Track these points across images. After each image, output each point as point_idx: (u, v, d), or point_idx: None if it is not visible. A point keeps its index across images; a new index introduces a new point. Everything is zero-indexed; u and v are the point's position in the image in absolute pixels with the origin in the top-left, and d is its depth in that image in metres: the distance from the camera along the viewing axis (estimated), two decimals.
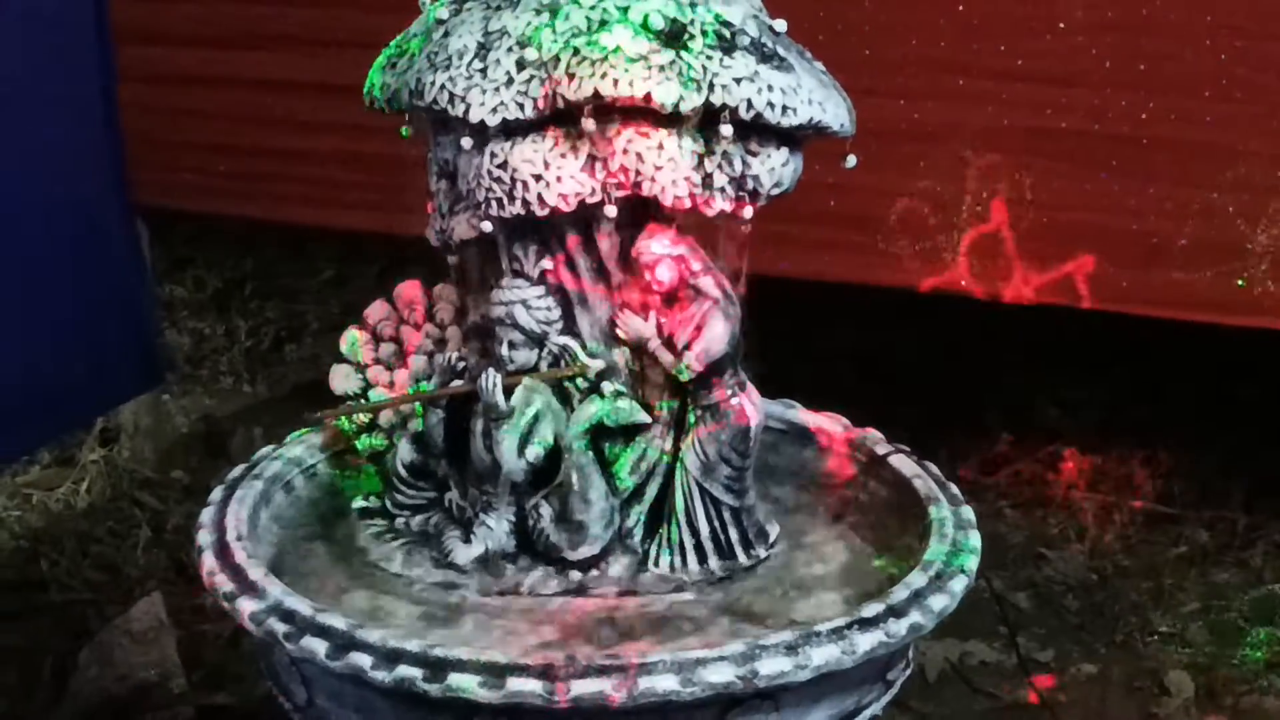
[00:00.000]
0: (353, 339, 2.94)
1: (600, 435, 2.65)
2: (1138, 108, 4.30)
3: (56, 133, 5.16)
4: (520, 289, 2.66)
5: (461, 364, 2.78)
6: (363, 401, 2.91)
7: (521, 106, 2.52)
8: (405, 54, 2.68)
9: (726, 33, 2.54)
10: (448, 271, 2.86)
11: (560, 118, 2.53)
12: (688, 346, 2.61)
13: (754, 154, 2.56)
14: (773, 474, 2.94)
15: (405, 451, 2.81)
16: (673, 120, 2.52)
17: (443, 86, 2.55)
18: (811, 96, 2.56)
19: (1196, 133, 4.26)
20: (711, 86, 2.50)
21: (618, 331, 2.67)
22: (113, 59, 5.25)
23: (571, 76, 2.49)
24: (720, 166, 2.55)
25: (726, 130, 2.52)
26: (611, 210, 2.58)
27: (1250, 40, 4.17)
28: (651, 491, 2.69)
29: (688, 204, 2.56)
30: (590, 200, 2.56)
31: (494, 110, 2.52)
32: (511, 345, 2.66)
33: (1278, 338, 4.33)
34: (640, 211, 2.62)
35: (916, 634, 2.54)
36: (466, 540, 2.70)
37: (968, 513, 2.77)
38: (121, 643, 4.50)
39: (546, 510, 2.66)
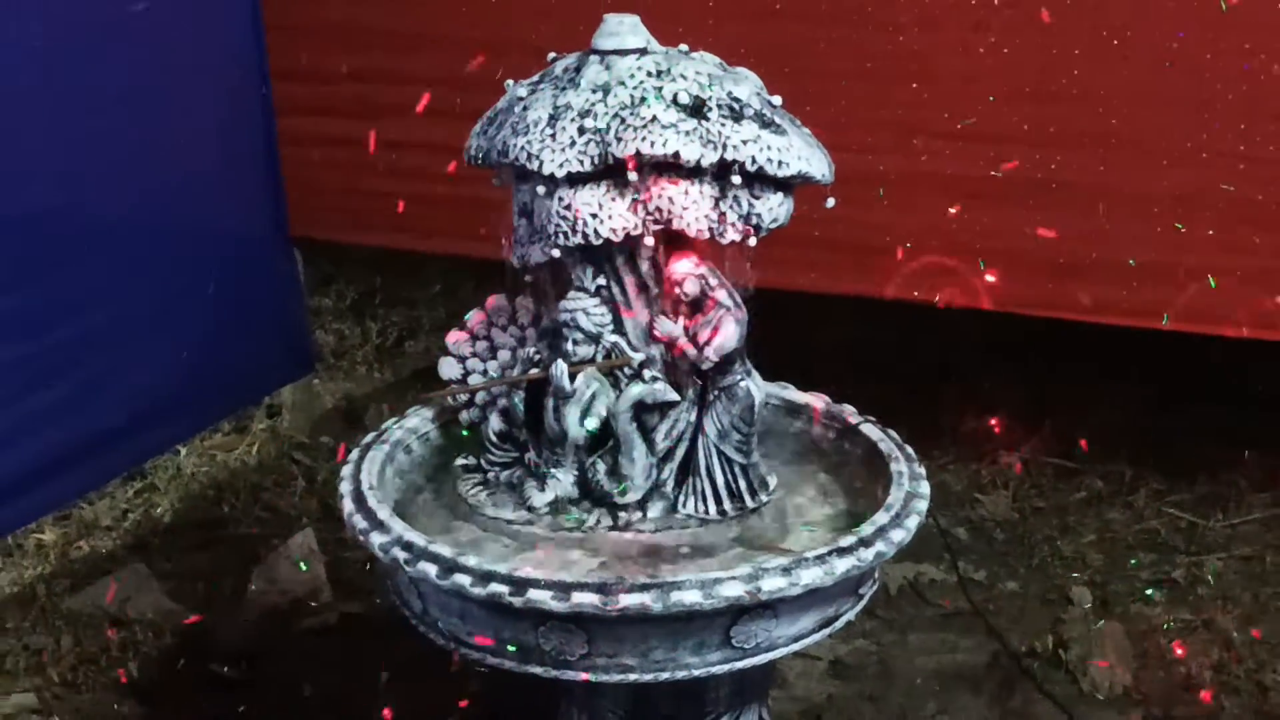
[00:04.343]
0: (456, 338, 2.94)
1: (641, 410, 2.66)
2: (1049, 160, 4.30)
3: (233, 184, 5.18)
4: (581, 300, 2.67)
5: (538, 356, 2.79)
6: (463, 384, 2.92)
7: (582, 162, 2.53)
8: (494, 123, 2.69)
9: (736, 106, 2.54)
10: (526, 286, 2.86)
11: (611, 170, 2.54)
12: (707, 343, 2.62)
13: (757, 197, 2.57)
14: (772, 439, 2.94)
15: (495, 422, 2.81)
16: (695, 172, 2.53)
17: (523, 147, 2.56)
18: (800, 154, 2.56)
19: (1093, 179, 4.25)
20: (725, 146, 2.50)
21: (654, 332, 2.68)
22: (275, 127, 5.27)
23: (619, 139, 2.50)
24: (731, 207, 2.56)
25: (736, 180, 2.53)
26: (649, 240, 2.59)
27: (1135, 107, 4.17)
28: (680, 452, 2.69)
29: (707, 235, 2.57)
30: (634, 233, 2.57)
31: (561, 165, 2.53)
32: (575, 342, 2.67)
33: (1155, 333, 4.32)
34: (671, 241, 2.63)
35: (881, 559, 2.55)
36: (541, 489, 2.71)
37: (920, 468, 2.77)
38: (283, 566, 4.52)
39: (601, 466, 2.67)
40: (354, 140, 5.18)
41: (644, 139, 2.49)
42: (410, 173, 5.05)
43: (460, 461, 2.88)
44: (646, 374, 2.67)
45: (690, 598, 2.36)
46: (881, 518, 2.59)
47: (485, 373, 2.90)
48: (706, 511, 2.69)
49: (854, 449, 2.91)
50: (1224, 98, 4.07)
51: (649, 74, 2.55)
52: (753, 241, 2.60)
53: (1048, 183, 4.31)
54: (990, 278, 4.44)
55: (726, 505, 2.70)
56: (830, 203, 2.66)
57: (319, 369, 5.91)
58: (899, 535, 2.57)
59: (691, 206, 2.54)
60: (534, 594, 2.36)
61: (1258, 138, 4.08)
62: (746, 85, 2.61)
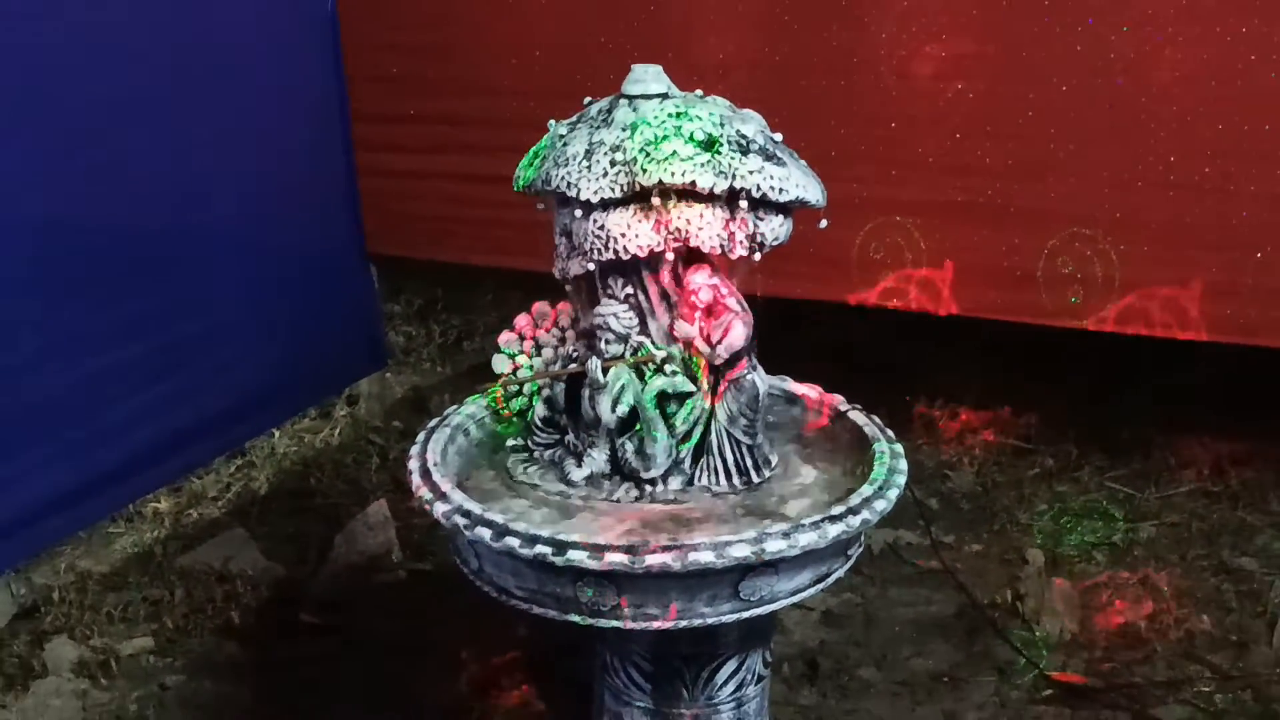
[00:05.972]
0: (507, 338, 2.93)
1: (663, 399, 2.64)
2: (1006, 188, 4.29)
3: (320, 209, 5.22)
4: (612, 306, 2.65)
5: (576, 354, 2.78)
6: (513, 378, 2.91)
7: (613, 190, 2.51)
8: (539, 157, 2.68)
9: (744, 141, 2.53)
10: (566, 294, 2.85)
11: (638, 196, 2.52)
12: (719, 342, 2.60)
13: (761, 219, 2.55)
14: (774, 423, 2.92)
15: (540, 409, 2.80)
16: (709, 198, 2.51)
17: (563, 177, 2.55)
18: (798, 182, 2.55)
19: (1045, 205, 4.25)
20: (734, 176, 2.49)
21: (674, 333, 2.66)
22: (355, 161, 5.29)
23: (645, 170, 2.48)
24: (739, 227, 2.54)
25: (744, 204, 2.52)
26: (670, 255, 2.58)
27: (1080, 143, 4.16)
28: (696, 434, 2.67)
29: (719, 251, 2.56)
30: (656, 249, 2.55)
31: (595, 192, 2.51)
32: (607, 342, 2.65)
33: (1095, 335, 4.31)
34: (688, 256, 2.61)
35: (866, 526, 2.53)
36: (579, 466, 2.69)
37: (899, 448, 2.75)
38: (361, 530, 4.52)
39: (629, 446, 2.65)
40: (421, 173, 5.22)
41: (666, 170, 2.47)
42: (468, 200, 5.08)
43: (510, 442, 2.88)
44: (668, 368, 2.65)
45: (705, 558, 2.35)
46: (866, 490, 2.58)
47: (531, 368, 2.88)
48: (718, 485, 2.67)
49: (843, 432, 2.89)
50: (1157, 135, 4.06)
51: (670, 115, 2.54)
52: (758, 256, 2.59)
53: (1005, 207, 4.30)
54: (956, 288, 4.44)
55: (735, 479, 2.68)
56: (823, 224, 2.64)
57: (391, 364, 5.92)
58: (881, 505, 2.55)
59: (706, 227, 2.53)
60: (573, 554, 2.36)
61: (1185, 169, 4.07)
62: (752, 124, 2.60)
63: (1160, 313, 4.20)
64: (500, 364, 2.91)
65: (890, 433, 2.82)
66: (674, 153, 2.49)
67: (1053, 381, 5.34)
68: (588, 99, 2.72)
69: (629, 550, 2.35)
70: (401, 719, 3.74)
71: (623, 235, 2.54)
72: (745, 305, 2.63)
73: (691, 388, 2.65)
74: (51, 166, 4.09)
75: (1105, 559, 4.48)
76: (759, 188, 2.51)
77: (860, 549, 2.74)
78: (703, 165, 2.48)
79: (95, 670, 3.96)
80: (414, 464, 2.70)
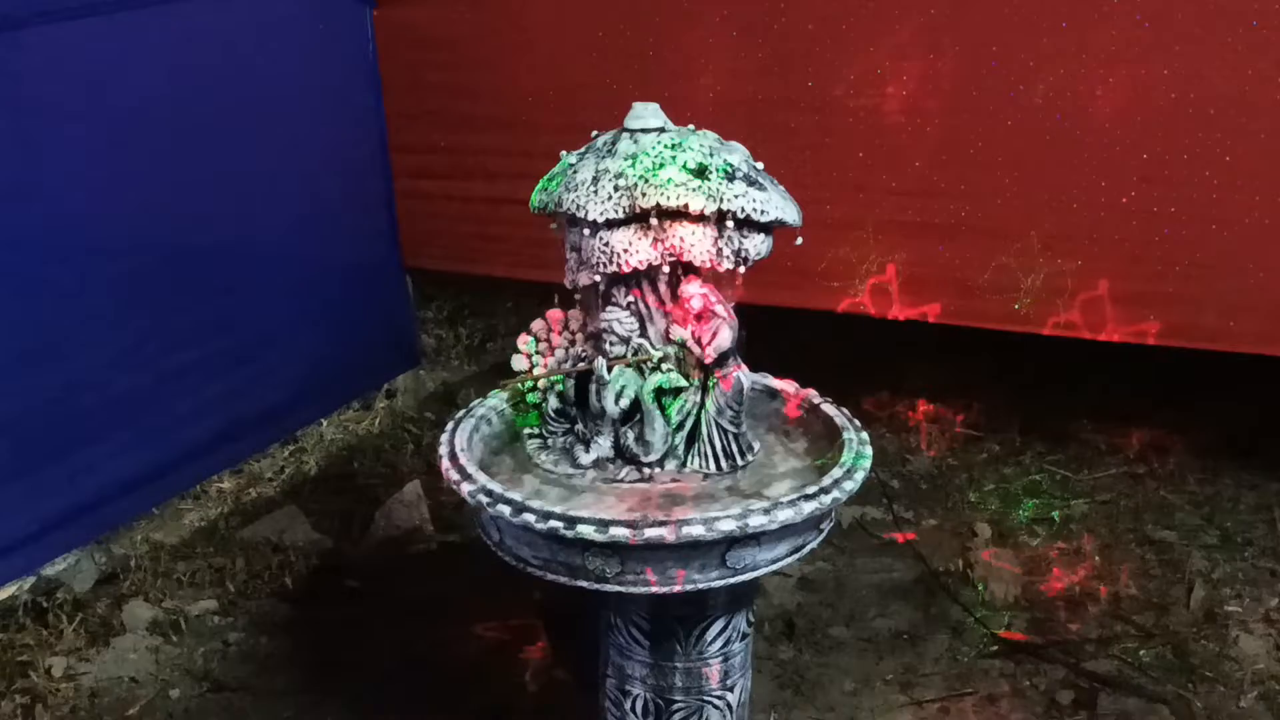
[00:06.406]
0: (524, 340, 2.93)
1: (660, 393, 2.64)
2: (960, 208, 4.30)
3: (363, 228, 5.23)
4: (615, 312, 2.66)
5: (584, 354, 2.78)
6: (530, 374, 2.91)
7: (616, 211, 2.52)
8: (552, 182, 2.68)
9: (730, 169, 2.53)
10: (576, 302, 2.86)
11: (638, 217, 2.53)
12: (708, 344, 2.60)
13: (746, 237, 2.55)
14: (756, 414, 2.92)
15: (553, 402, 2.80)
16: (700, 219, 2.51)
17: (573, 200, 2.55)
18: (778, 205, 2.55)
19: (995, 223, 4.25)
20: (722, 200, 2.49)
21: (670, 335, 2.67)
22: (393, 186, 5.31)
23: (644, 194, 2.49)
24: (726, 244, 2.54)
25: (730, 224, 2.52)
26: (666, 269, 2.58)
27: (1023, 169, 4.17)
28: (689, 424, 2.66)
29: (708, 264, 2.56)
30: (654, 263, 2.55)
31: (601, 213, 2.52)
32: (611, 343, 2.66)
33: (1036, 337, 4.32)
34: (682, 269, 2.62)
35: (837, 503, 2.54)
36: (587, 451, 2.69)
37: (865, 435, 2.75)
38: (397, 507, 4.53)
39: (630, 434, 2.65)
40: (450, 196, 5.23)
41: (662, 194, 2.48)
42: (491, 220, 5.09)
43: (527, 431, 2.88)
44: (664, 367, 2.66)
45: (696, 531, 2.35)
46: (837, 472, 2.57)
47: (545, 366, 2.89)
48: (708, 468, 2.68)
49: (816, 422, 2.88)
50: (1089, 164, 4.07)
51: (666, 146, 2.54)
52: (742, 269, 2.59)
53: (959, 225, 4.31)
54: (913, 296, 4.45)
55: (723, 463, 2.68)
56: (799, 241, 2.65)
57: (424, 363, 5.92)
58: (849, 485, 2.56)
59: (697, 244, 2.53)
60: (581, 528, 2.36)
61: (1113, 193, 4.08)
62: (738, 154, 2.60)
63: (1092, 318, 4.21)
64: (518, 363, 2.91)
65: (858, 422, 2.82)
66: (669, 179, 2.49)
67: (1000, 378, 5.34)
68: (595, 132, 2.72)
69: (630, 525, 2.36)
70: (432, 671, 3.76)
71: (625, 251, 2.54)
72: (731, 311, 2.63)
73: (685, 383, 2.66)
74: (143, 200, 4.19)
75: (1044, 532, 4.49)
76: (743, 210, 2.51)
77: (832, 523, 2.74)
78: (694, 190, 2.49)
79: (167, 628, 3.97)
80: (443, 449, 2.70)
